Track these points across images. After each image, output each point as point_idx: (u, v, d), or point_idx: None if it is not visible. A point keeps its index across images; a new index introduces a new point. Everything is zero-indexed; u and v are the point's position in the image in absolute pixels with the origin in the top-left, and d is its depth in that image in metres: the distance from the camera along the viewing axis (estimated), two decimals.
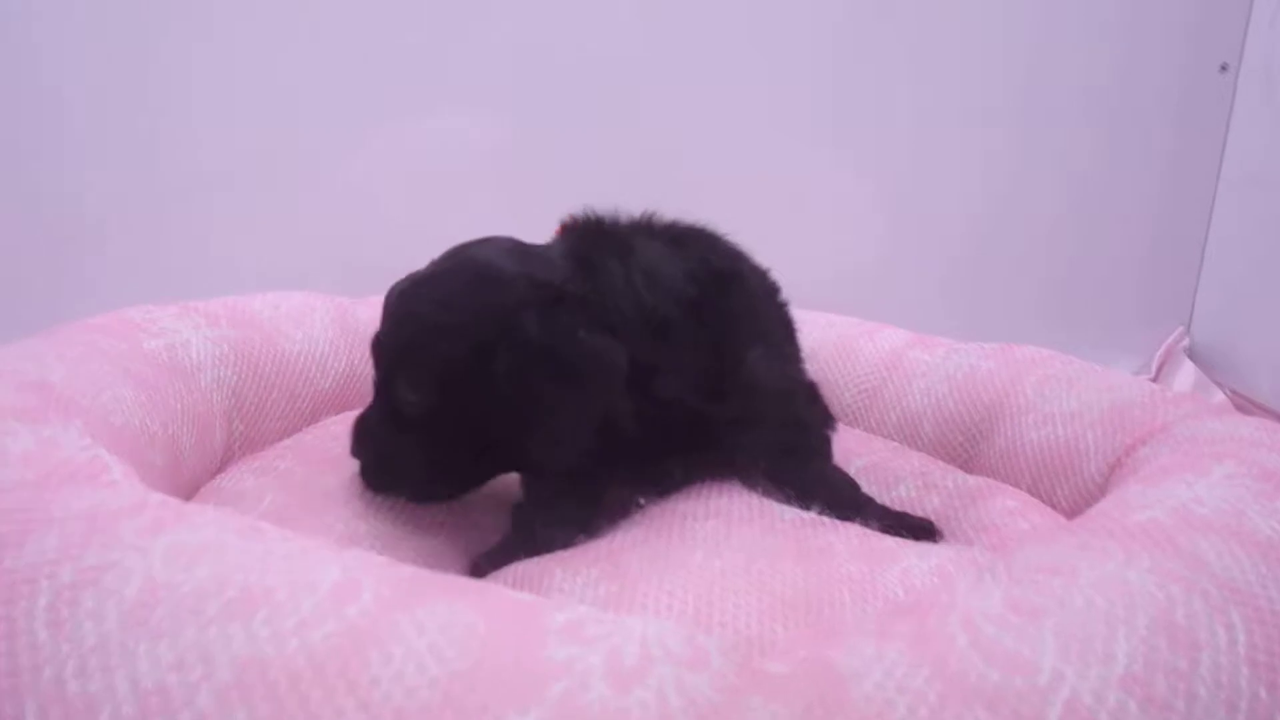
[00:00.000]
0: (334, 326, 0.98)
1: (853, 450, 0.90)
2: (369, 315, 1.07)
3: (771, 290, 0.81)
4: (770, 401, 0.70)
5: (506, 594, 0.38)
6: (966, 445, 0.91)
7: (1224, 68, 1.43)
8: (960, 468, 0.89)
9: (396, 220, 1.37)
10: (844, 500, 0.71)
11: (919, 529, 0.70)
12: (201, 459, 0.75)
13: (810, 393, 0.81)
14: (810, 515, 0.67)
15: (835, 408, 1.04)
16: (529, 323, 0.57)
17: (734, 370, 0.67)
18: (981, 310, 1.52)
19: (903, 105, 1.44)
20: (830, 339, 1.09)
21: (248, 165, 1.34)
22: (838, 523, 0.66)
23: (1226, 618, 0.37)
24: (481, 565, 0.62)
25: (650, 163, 1.40)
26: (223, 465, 0.80)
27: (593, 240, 0.66)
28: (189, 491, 0.73)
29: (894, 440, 0.96)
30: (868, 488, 0.79)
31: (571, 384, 0.58)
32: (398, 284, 0.65)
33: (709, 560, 0.54)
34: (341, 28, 1.30)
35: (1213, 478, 0.48)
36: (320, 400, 0.93)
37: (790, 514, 0.67)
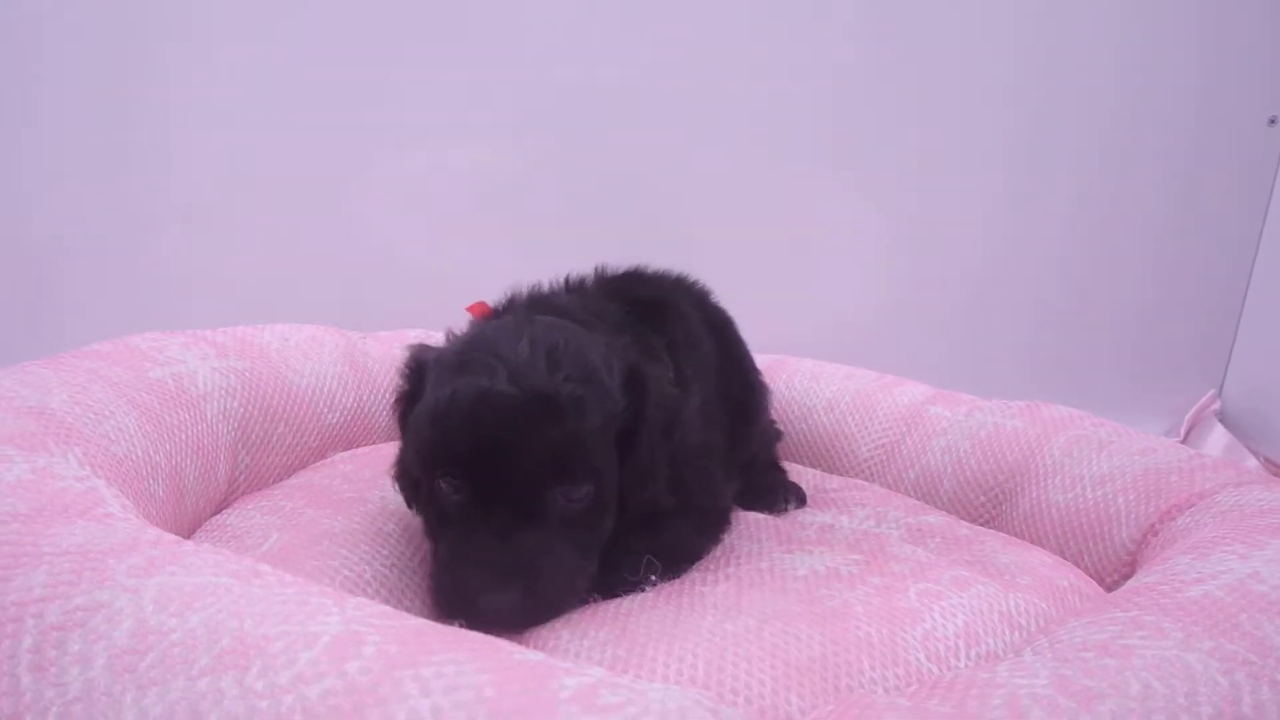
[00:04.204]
0: (343, 361, 0.97)
1: (869, 503, 0.87)
2: (379, 351, 1.05)
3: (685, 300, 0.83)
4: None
5: (515, 652, 0.35)
6: (989, 505, 0.88)
7: (1273, 121, 1.39)
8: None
9: (396, 252, 1.35)
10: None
11: None
12: (205, 492, 0.73)
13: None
14: (826, 570, 0.64)
15: (852, 462, 1.02)
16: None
17: None
18: (1001, 367, 1.48)
19: (921, 152, 1.40)
20: (849, 392, 1.06)
21: (244, 195, 1.32)
22: (855, 578, 0.63)
23: None
24: None
25: (655, 207, 1.38)
26: (227, 499, 0.78)
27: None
28: (192, 526, 0.71)
29: (912, 498, 0.94)
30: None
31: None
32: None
33: (720, 624, 0.52)
34: (344, 59, 1.29)
35: (1269, 552, 0.46)
36: (328, 436, 0.91)
37: (805, 569, 0.64)
